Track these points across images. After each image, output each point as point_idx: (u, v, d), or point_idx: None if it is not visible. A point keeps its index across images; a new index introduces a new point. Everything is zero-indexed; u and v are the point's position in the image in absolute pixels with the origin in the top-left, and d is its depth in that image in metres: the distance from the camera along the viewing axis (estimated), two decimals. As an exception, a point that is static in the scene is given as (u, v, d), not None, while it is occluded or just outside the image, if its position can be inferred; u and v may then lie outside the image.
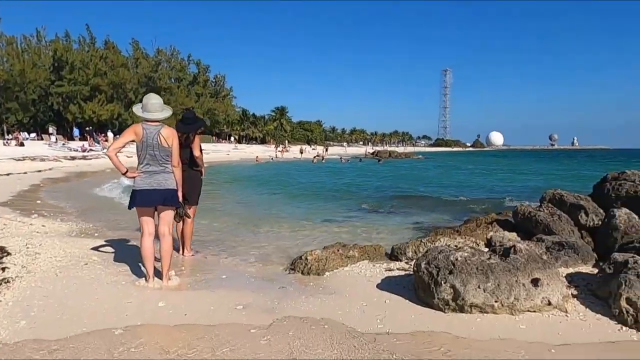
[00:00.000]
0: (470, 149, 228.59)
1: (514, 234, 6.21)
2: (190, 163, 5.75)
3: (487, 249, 4.65)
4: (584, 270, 4.84)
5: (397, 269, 5.05)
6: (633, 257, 3.99)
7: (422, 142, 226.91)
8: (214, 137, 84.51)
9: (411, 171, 31.66)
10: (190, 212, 5.88)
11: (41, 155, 28.72)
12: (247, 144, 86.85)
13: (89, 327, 3.42)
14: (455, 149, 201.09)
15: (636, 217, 6.01)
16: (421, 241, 5.65)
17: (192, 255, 5.99)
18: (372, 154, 69.79)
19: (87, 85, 57.26)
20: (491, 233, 6.05)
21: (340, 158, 51.43)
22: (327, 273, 5.04)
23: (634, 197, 7.46)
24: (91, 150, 39.25)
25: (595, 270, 4.78)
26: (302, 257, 5.27)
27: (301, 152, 61.53)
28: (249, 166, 35.40)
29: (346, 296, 4.24)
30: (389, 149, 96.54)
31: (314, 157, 50.46)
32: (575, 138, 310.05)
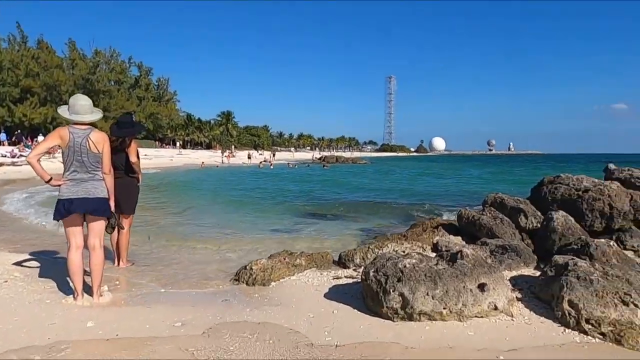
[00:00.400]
0: (415, 153, 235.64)
1: (459, 237, 6.28)
2: (126, 169, 5.41)
3: (434, 254, 4.63)
4: (526, 273, 4.93)
5: (345, 276, 4.94)
6: (572, 259, 4.08)
7: (368, 147, 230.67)
8: (157, 142, 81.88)
9: (357, 177, 31.90)
10: (126, 222, 5.53)
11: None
12: (193, 149, 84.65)
13: (2, 351, 3.04)
14: (400, 153, 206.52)
15: (572, 219, 6.25)
16: (369, 247, 5.58)
17: (131, 265, 5.63)
18: (320, 159, 70.07)
19: (17, 86, 53.79)
20: (437, 237, 6.08)
21: (288, 163, 51.16)
22: (273, 283, 4.84)
23: (569, 200, 7.79)
24: (21, 155, 36.79)
25: (537, 273, 4.89)
26: (247, 267, 5.04)
27: (249, 158, 60.71)
28: (193, 172, 34.40)
29: (293, 307, 4.07)
30: (336, 154, 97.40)
31: (261, 162, 49.98)
32: (511, 143, 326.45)
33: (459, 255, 3.96)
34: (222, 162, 53.91)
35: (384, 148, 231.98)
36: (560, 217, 6.07)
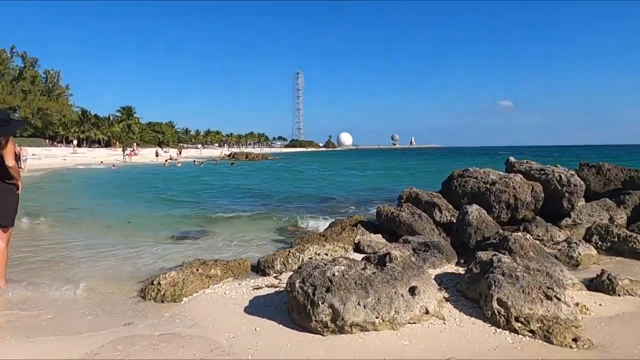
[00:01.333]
0: (323, 148, 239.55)
1: (379, 235, 6.16)
2: (1, 175, 4.56)
3: (360, 257, 4.40)
4: (449, 270, 4.90)
5: (266, 285, 4.55)
6: (496, 255, 4.07)
7: (278, 143, 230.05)
8: (47, 141, 74.81)
9: (267, 175, 31.44)
10: (3, 236, 4.67)
11: None
12: (89, 147, 78.38)
13: None
14: (310, 149, 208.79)
15: (485, 212, 6.42)
16: (289, 252, 5.23)
17: (7, 286, 4.76)
18: (229, 155, 68.43)
19: None
20: (358, 236, 5.91)
21: (194, 161, 48.97)
22: (185, 299, 4.32)
23: (478, 193, 8.07)
24: None
25: (460, 269, 4.88)
26: (154, 282, 4.47)
27: (157, 155, 57.40)
28: (90, 173, 31.69)
29: (209, 327, 3.61)
30: (245, 150, 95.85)
31: (166, 160, 47.18)
32: (413, 138, 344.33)
33: (387, 257, 3.76)
34: (125, 161, 50.46)
35: (293, 144, 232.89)
36: (474, 210, 6.19)
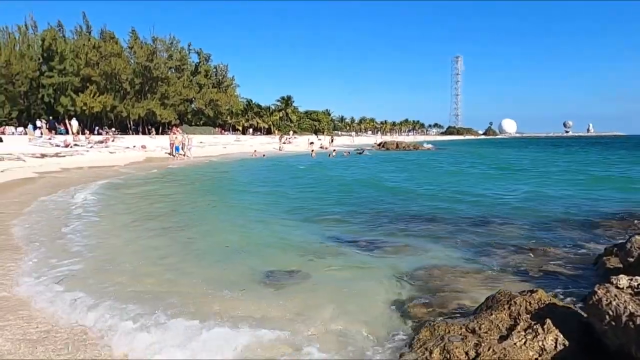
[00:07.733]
0: (482, 136, 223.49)
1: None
2: None
3: None
4: None
5: None
6: None
7: (434, 130, 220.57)
8: (217, 129, 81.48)
9: (410, 173, 27.65)
10: None
11: (6, 153, 25.71)
12: (252, 134, 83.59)
13: None
14: (468, 137, 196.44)
15: None
16: None
17: None
18: (379, 145, 65.99)
19: (78, 75, 54.42)
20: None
21: (328, 155, 41.69)
22: None
23: None
24: (76, 145, 36.61)
25: None
26: None
27: (311, 143, 58.00)
28: (236, 163, 32.12)
29: None
30: (398, 138, 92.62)
31: (312, 150, 44.32)
32: (591, 124, 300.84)
33: None
34: (280, 149, 51.70)
35: (450, 131, 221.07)
36: None
